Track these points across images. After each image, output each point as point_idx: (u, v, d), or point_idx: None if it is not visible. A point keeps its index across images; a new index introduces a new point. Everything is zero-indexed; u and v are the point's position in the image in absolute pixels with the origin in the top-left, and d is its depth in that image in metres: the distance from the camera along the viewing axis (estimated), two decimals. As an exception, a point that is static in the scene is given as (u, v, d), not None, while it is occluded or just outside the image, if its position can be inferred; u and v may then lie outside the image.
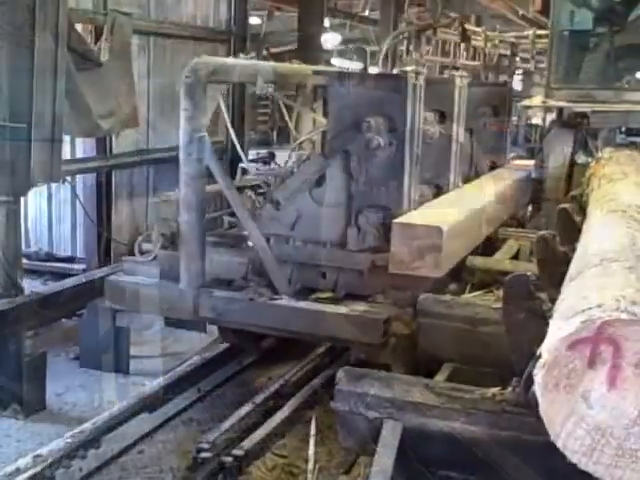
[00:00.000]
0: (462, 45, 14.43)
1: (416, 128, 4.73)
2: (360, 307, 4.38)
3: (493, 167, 6.48)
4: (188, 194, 4.60)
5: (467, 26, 13.72)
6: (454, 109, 5.45)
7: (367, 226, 4.65)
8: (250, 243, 4.81)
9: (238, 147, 5.66)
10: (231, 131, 5.69)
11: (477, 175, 6.09)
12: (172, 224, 5.13)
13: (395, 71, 8.93)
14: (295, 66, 6.49)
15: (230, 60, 5.51)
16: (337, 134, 4.79)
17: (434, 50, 13.42)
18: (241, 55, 6.19)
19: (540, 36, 13.89)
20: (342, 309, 4.39)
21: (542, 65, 17.42)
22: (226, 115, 5.52)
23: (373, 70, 14.77)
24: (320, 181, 4.79)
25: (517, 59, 16.98)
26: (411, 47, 10.86)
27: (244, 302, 4.56)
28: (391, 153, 4.67)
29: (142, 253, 5.14)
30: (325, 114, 5.71)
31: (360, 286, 4.64)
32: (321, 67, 7.05)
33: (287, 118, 6.19)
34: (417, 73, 4.69)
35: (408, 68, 5.01)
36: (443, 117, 5.45)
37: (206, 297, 4.61)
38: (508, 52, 15.92)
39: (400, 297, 4.32)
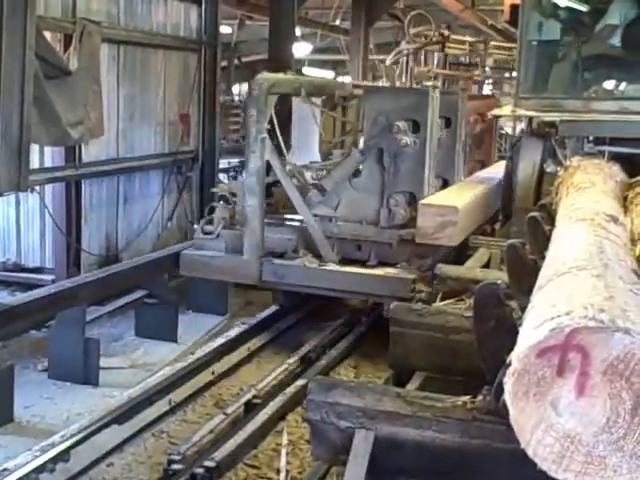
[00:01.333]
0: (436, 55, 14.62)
1: (434, 131, 6.41)
2: (392, 271, 5.95)
3: (483, 166, 8.33)
4: (252, 183, 6.17)
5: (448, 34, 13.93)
6: (458, 116, 7.04)
7: (395, 207, 6.30)
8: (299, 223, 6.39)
9: (284, 150, 6.86)
10: (280, 139, 6.64)
11: (470, 172, 7.83)
12: (230, 208, 6.70)
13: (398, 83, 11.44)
14: (331, 80, 9.09)
15: (283, 76, 6.98)
16: (372, 134, 6.43)
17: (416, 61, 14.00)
18: (288, 72, 7.68)
19: (497, 47, 14.09)
20: (379, 272, 5.97)
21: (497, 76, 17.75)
22: (276, 125, 6.47)
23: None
24: (357, 172, 6.50)
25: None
26: (411, 62, 11.62)
27: (300, 268, 6.07)
28: (415, 150, 6.27)
29: (205, 233, 6.49)
30: (344, 117, 8.23)
31: (389, 256, 6.19)
32: (357, 81, 9.41)
33: (317, 124, 7.66)
34: (434, 87, 6.65)
35: (428, 83, 7.35)
36: (449, 123, 6.98)
37: (268, 265, 6.13)
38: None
39: (422, 264, 5.83)
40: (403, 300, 4.62)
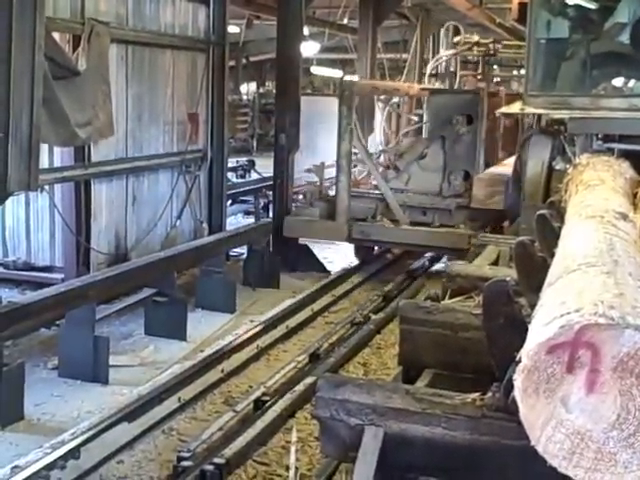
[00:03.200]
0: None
1: (483, 123, 8.75)
2: (453, 230, 8.20)
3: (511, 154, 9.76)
4: (343, 163, 8.37)
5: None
6: (479, 114, 9.01)
7: (455, 181, 8.76)
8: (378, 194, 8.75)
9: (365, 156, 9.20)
10: (362, 141, 9.04)
11: (502, 158, 9.81)
12: (319, 186, 9.52)
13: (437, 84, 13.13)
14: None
15: (362, 80, 10.40)
16: (435, 126, 9.14)
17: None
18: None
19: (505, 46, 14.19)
20: (443, 230, 8.28)
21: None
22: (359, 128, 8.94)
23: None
24: (424, 155, 8.98)
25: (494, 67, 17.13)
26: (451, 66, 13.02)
27: (381, 228, 8.37)
28: (470, 137, 8.73)
29: (301, 204, 9.11)
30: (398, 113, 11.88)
31: (449, 219, 8.54)
32: (424, 85, 11.52)
33: (381, 120, 11.28)
34: (483, 89, 9.08)
35: (480, 85, 10.15)
36: (471, 120, 9.01)
37: (356, 226, 8.38)
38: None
39: (474, 225, 8.05)
40: (460, 251, 6.54)
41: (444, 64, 12.68)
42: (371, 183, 9.98)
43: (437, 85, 12.62)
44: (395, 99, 11.71)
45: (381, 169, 9.27)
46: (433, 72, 12.59)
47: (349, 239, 8.48)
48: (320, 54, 17.49)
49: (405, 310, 3.47)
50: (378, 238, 8.47)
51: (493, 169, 8.47)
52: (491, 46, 13.33)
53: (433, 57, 14.77)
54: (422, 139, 9.40)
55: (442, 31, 13.39)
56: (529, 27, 6.24)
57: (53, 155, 7.33)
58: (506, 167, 8.12)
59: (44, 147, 6.61)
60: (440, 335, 3.31)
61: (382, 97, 11.22)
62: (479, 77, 14.14)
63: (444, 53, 13.06)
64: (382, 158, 9.89)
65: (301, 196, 9.80)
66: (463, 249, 6.44)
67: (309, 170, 10.74)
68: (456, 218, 8.54)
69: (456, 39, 13.80)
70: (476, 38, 13.42)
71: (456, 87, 12.02)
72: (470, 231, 7.80)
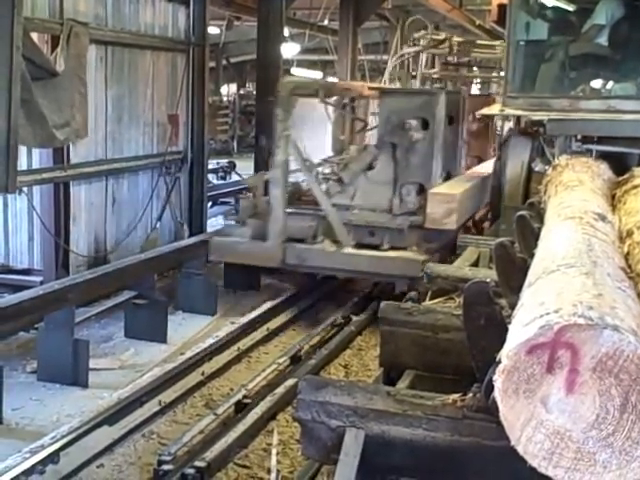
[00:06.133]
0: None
1: (441, 128, 7.27)
2: (404, 253, 6.72)
3: (480, 161, 9.26)
4: (277, 174, 6.89)
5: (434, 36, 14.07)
6: (459, 114, 8.09)
7: (407, 196, 7.18)
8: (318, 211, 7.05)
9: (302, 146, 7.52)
10: (300, 149, 7.25)
11: (468, 167, 8.85)
12: (254, 200, 7.53)
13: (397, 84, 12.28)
14: (350, 82, 9.57)
15: (304, 79, 8.64)
16: (385, 131, 7.31)
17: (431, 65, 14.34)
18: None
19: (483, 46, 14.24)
20: (392, 254, 6.75)
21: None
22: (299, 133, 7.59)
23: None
24: (373, 165, 7.34)
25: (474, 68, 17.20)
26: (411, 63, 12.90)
27: (319, 251, 6.83)
28: (425, 145, 7.15)
29: (233, 222, 7.39)
30: (354, 117, 9.02)
31: (401, 240, 6.91)
32: (374, 84, 9.84)
33: (330, 123, 8.66)
34: (441, 89, 7.50)
35: (437, 85, 8.68)
36: (451, 121, 7.75)
37: (291, 249, 6.85)
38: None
39: (429, 247, 6.62)
40: (412, 279, 5.55)
41: (409, 62, 12.14)
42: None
43: (399, 85, 11.98)
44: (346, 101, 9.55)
45: (323, 186, 7.43)
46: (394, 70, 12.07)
47: (283, 264, 7.04)
48: (300, 55, 17.49)
49: (386, 311, 3.47)
50: (316, 264, 6.96)
51: (453, 181, 7.38)
52: (455, 44, 12.91)
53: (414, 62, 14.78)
54: (370, 147, 7.73)
55: (406, 27, 12.84)
56: (508, 29, 6.28)
57: (32, 157, 7.27)
58: (469, 179, 7.64)
59: (22, 148, 6.55)
60: (421, 336, 3.31)
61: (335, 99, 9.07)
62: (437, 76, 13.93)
63: (406, 50, 12.69)
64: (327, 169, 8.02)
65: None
66: (414, 277, 5.49)
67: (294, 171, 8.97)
68: (409, 239, 6.97)
69: (417, 34, 13.43)
70: (443, 35, 13.13)
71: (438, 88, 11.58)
72: (423, 255, 6.55)
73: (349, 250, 6.85)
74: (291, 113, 6.89)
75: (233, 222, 7.48)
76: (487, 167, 8.23)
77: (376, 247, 6.98)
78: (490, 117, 8.52)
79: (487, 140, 8.85)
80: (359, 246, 6.98)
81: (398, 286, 6.60)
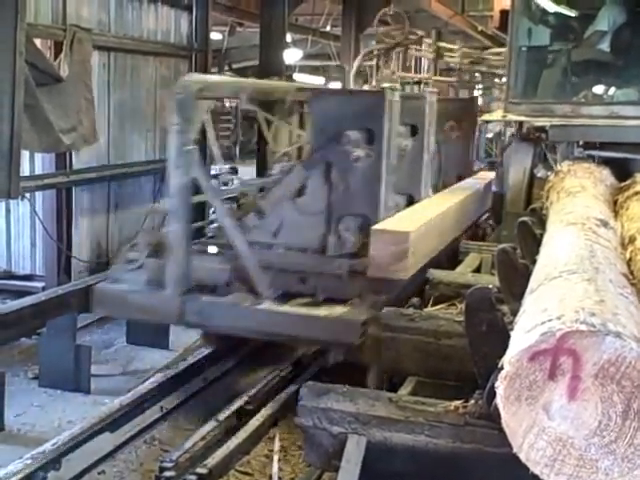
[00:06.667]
0: (426, 61, 14.62)
1: (392, 141, 5.11)
2: (339, 310, 4.59)
3: (460, 178, 6.97)
4: (176, 204, 4.85)
5: (441, 43, 13.95)
6: (425, 123, 5.80)
7: (346, 233, 5.04)
8: (233, 251, 4.99)
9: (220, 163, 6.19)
10: (216, 152, 5.92)
11: (445, 186, 6.49)
12: (158, 233, 5.38)
13: (367, 87, 9.96)
14: (277, 82, 7.12)
15: (217, 77, 5.95)
16: (318, 146, 5.15)
17: (404, 66, 13.87)
18: (227, 73, 6.95)
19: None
20: (322, 312, 4.60)
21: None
22: (211, 136, 5.60)
23: (334, 85, 14.89)
24: (302, 191, 5.15)
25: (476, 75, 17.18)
26: (381, 64, 11.17)
27: (229, 307, 4.78)
28: (369, 164, 5.02)
29: (128, 262, 5.25)
30: (301, 127, 6.70)
31: (339, 290, 4.88)
32: (303, 84, 7.57)
33: (266, 133, 6.31)
34: (393, 89, 5.06)
35: (385, 85, 5.74)
36: (415, 131, 5.77)
37: (192, 302, 4.81)
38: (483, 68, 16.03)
39: (376, 301, 4.49)
40: (349, 347, 4.13)
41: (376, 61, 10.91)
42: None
43: (366, 88, 10.45)
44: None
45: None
46: (361, 70, 10.97)
47: (181, 322, 5.07)
48: (303, 61, 17.52)
49: (388, 317, 3.48)
50: (224, 323, 4.90)
51: (410, 211, 5.22)
52: (426, 45, 11.99)
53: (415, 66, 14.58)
54: (298, 167, 5.39)
55: (375, 21, 11.42)
56: (510, 35, 6.28)
57: (34, 162, 7.28)
58: (438, 204, 5.45)
59: (25, 154, 6.56)
60: (423, 342, 3.32)
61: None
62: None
63: (375, 47, 11.87)
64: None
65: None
66: (351, 345, 4.20)
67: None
68: (350, 289, 4.90)
69: (381, 29, 12.31)
70: (420, 33, 12.41)
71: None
72: (365, 313, 4.36)
73: (266, 306, 4.77)
74: (197, 122, 5.10)
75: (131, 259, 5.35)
76: (467, 186, 6.54)
77: (309, 298, 4.97)
78: (474, 124, 7.06)
79: (468, 153, 6.88)
80: (287, 297, 4.95)
81: (332, 356, 5.00)
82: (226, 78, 6.17)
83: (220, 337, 5.67)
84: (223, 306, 4.82)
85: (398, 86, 7.07)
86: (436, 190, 6.07)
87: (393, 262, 4.23)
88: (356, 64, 10.76)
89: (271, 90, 6.26)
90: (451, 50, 14.03)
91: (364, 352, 3.94)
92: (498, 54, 14.48)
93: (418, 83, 14.10)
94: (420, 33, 13.06)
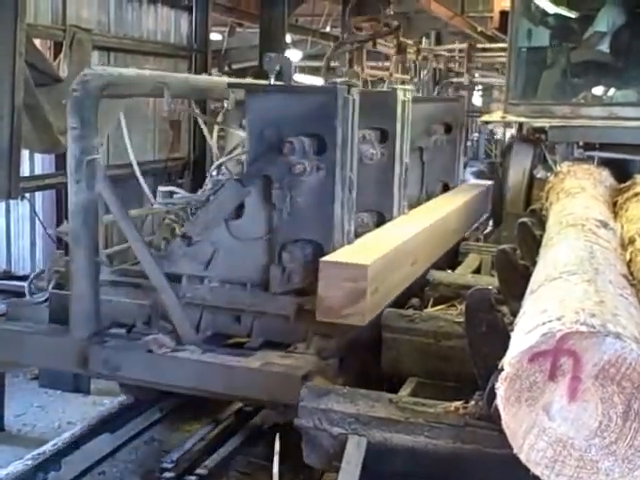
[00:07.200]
0: (394, 57, 14.30)
1: (349, 149, 3.91)
2: (276, 360, 3.57)
3: (446, 189, 5.94)
4: (77, 226, 3.90)
5: (402, 39, 13.60)
6: (397, 126, 4.58)
7: (292, 264, 3.89)
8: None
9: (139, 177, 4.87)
10: (133, 161, 4.75)
11: (428, 198, 5.49)
12: (65, 257, 4.45)
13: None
14: (213, 78, 5.83)
15: (128, 71, 4.47)
16: (256, 157, 3.95)
17: (402, 68, 13.64)
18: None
19: (482, 49, 13.94)
20: (255, 363, 3.55)
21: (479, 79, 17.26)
22: (126, 135, 4.66)
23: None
24: (239, 212, 3.99)
25: (450, 73, 16.85)
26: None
27: (139, 354, 3.76)
28: (320, 178, 3.86)
29: (33, 294, 4.45)
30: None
31: (283, 333, 3.86)
32: (239, 79, 5.71)
33: (209, 140, 5.07)
34: (350, 85, 3.94)
35: (338, 80, 4.49)
36: (385, 136, 4.58)
37: (97, 348, 3.77)
38: (441, 66, 15.73)
39: (325, 347, 3.61)
40: (286, 407, 3.19)
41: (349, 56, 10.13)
42: None
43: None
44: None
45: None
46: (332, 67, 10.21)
47: (86, 371, 3.97)
48: (302, 62, 17.52)
49: (388, 318, 3.47)
50: (134, 375, 3.87)
51: (375, 236, 4.09)
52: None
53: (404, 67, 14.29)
54: (232, 182, 4.07)
55: (347, 10, 10.59)
56: (510, 35, 6.29)
57: (34, 162, 7.29)
58: (413, 224, 4.34)
59: (24, 154, 6.56)
60: (423, 343, 3.31)
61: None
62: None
63: (347, 39, 11.17)
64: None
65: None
66: (289, 405, 3.04)
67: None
68: (296, 332, 3.83)
69: (362, 19, 11.50)
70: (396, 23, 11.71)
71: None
72: (311, 361, 3.47)
73: (188, 354, 3.73)
74: (95, 124, 4.00)
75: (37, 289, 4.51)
76: (451, 198, 5.52)
77: (243, 344, 3.89)
78: (461, 126, 6.24)
79: (455, 159, 6.04)
80: (218, 339, 3.94)
81: (268, 416, 4.42)
82: (143, 72, 4.61)
83: (139, 388, 4.61)
84: (135, 353, 3.78)
85: (358, 82, 5.59)
86: (418, 203, 5.17)
87: (347, 304, 3.27)
88: (326, 58, 9.93)
89: (205, 87, 5.03)
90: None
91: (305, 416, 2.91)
92: (452, 50, 14.10)
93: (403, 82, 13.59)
94: (395, 24, 11.90)
